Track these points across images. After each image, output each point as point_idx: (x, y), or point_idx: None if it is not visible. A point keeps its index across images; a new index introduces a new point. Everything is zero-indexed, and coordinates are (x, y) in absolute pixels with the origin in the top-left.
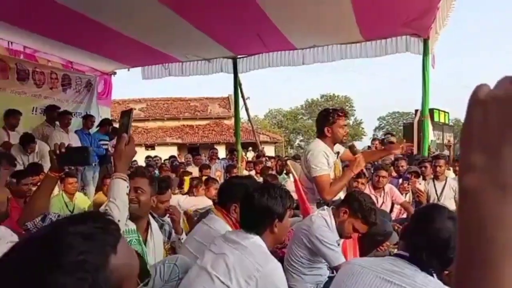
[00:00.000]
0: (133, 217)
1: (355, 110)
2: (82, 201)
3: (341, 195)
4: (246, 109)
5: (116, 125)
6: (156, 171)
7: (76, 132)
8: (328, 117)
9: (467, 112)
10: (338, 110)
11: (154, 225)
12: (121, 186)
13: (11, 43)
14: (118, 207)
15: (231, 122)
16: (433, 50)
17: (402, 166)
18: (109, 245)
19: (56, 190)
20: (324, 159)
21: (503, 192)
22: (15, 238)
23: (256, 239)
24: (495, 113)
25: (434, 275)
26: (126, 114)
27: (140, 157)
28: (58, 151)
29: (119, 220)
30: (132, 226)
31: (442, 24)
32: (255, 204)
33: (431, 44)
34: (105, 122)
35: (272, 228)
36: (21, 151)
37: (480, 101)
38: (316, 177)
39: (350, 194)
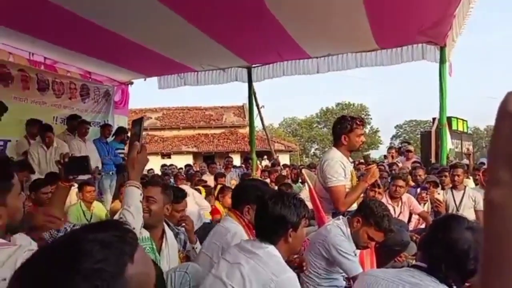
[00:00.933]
0: (146, 225)
1: (371, 119)
2: (100, 210)
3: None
4: (261, 118)
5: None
6: (172, 180)
7: (94, 141)
8: (346, 125)
9: (495, 124)
10: (356, 118)
11: (169, 233)
12: (135, 194)
13: (32, 54)
14: (133, 214)
15: (245, 130)
16: (450, 58)
17: (420, 175)
18: (127, 254)
19: (74, 199)
20: (341, 169)
21: None
22: (34, 246)
23: (271, 248)
24: None
25: (454, 287)
26: (138, 123)
27: (157, 165)
28: (62, 161)
29: (134, 228)
30: (146, 234)
31: (458, 31)
32: (268, 213)
33: (448, 51)
34: (121, 131)
35: (287, 237)
36: (39, 143)
37: (509, 114)
38: (332, 187)
39: (362, 202)
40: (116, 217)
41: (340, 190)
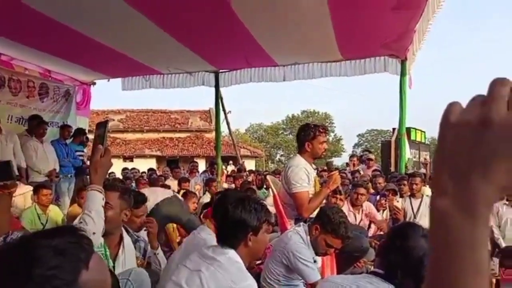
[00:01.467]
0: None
1: (335, 127)
2: (56, 214)
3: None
4: (227, 123)
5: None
6: (133, 184)
7: (52, 142)
8: (309, 132)
9: (439, 134)
10: (319, 126)
11: (127, 239)
12: (96, 198)
13: None
14: (93, 219)
15: (212, 135)
16: (410, 71)
17: (379, 183)
18: (81, 260)
19: (29, 202)
20: (305, 175)
21: (471, 218)
22: None
23: (232, 254)
24: (464, 138)
25: None
26: (102, 125)
27: (118, 169)
28: None
29: (94, 233)
30: (100, 240)
31: (418, 46)
32: (228, 217)
33: (408, 65)
34: (80, 132)
35: (247, 241)
36: None
37: (451, 124)
38: (295, 193)
39: (320, 210)
40: (76, 221)
41: (303, 196)
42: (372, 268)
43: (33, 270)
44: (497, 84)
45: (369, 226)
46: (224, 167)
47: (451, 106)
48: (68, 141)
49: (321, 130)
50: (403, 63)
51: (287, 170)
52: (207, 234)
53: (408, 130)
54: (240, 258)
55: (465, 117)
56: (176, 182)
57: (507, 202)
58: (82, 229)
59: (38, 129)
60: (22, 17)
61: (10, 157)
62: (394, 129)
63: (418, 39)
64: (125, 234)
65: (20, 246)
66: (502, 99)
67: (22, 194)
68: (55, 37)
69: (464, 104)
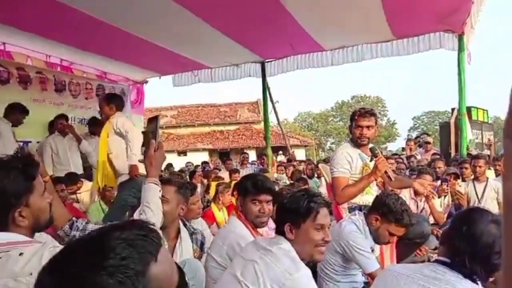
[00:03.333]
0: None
1: (387, 111)
2: None
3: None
4: (275, 113)
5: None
6: (187, 177)
7: None
8: (351, 117)
9: (508, 113)
10: (359, 109)
11: (184, 233)
12: (153, 191)
13: (49, 56)
14: (152, 210)
15: (260, 126)
16: (469, 45)
17: (439, 168)
18: (150, 252)
19: (95, 197)
20: (345, 161)
21: None
22: (56, 243)
23: (285, 244)
24: None
25: (479, 282)
26: (153, 121)
27: (174, 163)
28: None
29: (153, 224)
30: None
31: (477, 18)
32: (279, 205)
33: (466, 39)
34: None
35: (291, 234)
36: (53, 134)
37: None
38: (332, 178)
39: (376, 198)
40: (136, 213)
41: (338, 181)
42: (435, 257)
43: (106, 261)
44: None
45: (430, 214)
46: (274, 157)
47: None
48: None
49: (358, 114)
50: (460, 37)
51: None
52: (234, 224)
53: (469, 109)
54: (295, 249)
55: None
56: (227, 173)
57: None
58: (150, 223)
59: (94, 128)
60: (78, 23)
61: (77, 156)
62: (453, 109)
63: (476, 11)
64: (182, 227)
65: (94, 239)
66: None
67: (88, 191)
68: (108, 40)
69: None
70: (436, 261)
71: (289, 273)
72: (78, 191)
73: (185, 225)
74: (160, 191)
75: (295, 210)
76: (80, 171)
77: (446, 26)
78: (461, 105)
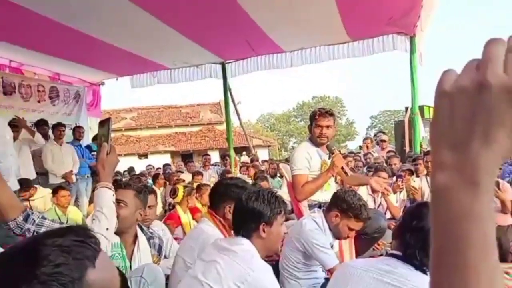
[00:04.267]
0: (116, 231)
1: (346, 110)
2: (75, 214)
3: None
4: (237, 114)
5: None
6: (150, 180)
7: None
8: (310, 117)
9: (434, 105)
10: (318, 109)
11: (142, 238)
12: (106, 195)
13: None
14: (106, 215)
15: (224, 127)
16: (420, 47)
17: (395, 164)
18: (87, 259)
19: (49, 204)
20: (303, 159)
21: (474, 189)
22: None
23: (246, 243)
24: (461, 106)
25: (428, 273)
26: (105, 123)
27: (135, 166)
28: None
29: (107, 228)
30: (116, 239)
31: (427, 21)
32: (243, 207)
33: (417, 41)
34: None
35: (259, 232)
36: None
37: (445, 93)
38: (292, 176)
39: (334, 195)
40: (89, 219)
41: (297, 179)
42: (389, 250)
43: (38, 269)
44: (491, 45)
45: (387, 209)
46: (238, 158)
47: (445, 74)
48: (85, 142)
49: (319, 113)
50: (412, 39)
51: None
52: (206, 225)
53: (421, 108)
54: (255, 249)
55: (460, 84)
56: (190, 175)
57: None
58: (89, 228)
59: (55, 131)
60: (28, 22)
61: (29, 161)
62: (407, 108)
63: (426, 14)
64: (139, 232)
65: (25, 247)
66: (498, 60)
67: (42, 197)
68: (61, 40)
69: (459, 71)
70: (390, 254)
71: (251, 269)
72: (31, 198)
73: (142, 229)
74: (113, 195)
75: (270, 209)
76: (32, 176)
77: (398, 28)
78: (413, 104)
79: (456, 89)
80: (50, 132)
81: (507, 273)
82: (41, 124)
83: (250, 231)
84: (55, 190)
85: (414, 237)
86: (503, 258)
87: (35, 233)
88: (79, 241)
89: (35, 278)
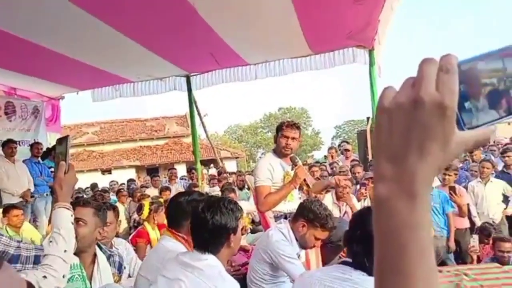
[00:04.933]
0: (75, 251)
1: (312, 121)
2: (31, 233)
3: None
4: (203, 126)
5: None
6: (113, 197)
7: (24, 161)
8: (277, 128)
9: (375, 120)
10: (285, 121)
11: (101, 256)
12: (64, 215)
13: None
14: (63, 237)
15: (190, 140)
16: (378, 60)
17: (358, 173)
18: None
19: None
20: (267, 170)
21: (411, 200)
22: None
23: (210, 259)
24: (399, 121)
25: None
26: (63, 141)
27: (98, 182)
28: None
29: (65, 250)
30: (76, 260)
31: (384, 35)
32: (208, 224)
33: (376, 54)
34: (53, 149)
35: (229, 243)
36: None
37: (385, 108)
38: (255, 188)
39: (301, 205)
40: (46, 241)
41: (260, 190)
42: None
43: None
44: (425, 64)
45: None
46: (206, 171)
47: (385, 91)
48: (45, 159)
49: (285, 124)
50: (370, 53)
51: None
52: (168, 242)
53: None
54: (221, 260)
55: (397, 100)
56: (156, 190)
57: (480, 180)
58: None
59: (6, 149)
60: None
61: None
62: (368, 118)
63: (383, 29)
64: (98, 251)
65: None
66: (430, 79)
67: None
68: (17, 53)
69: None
70: (343, 262)
71: (217, 287)
72: None
73: (100, 248)
74: (72, 215)
75: (234, 218)
76: None
77: (357, 42)
78: (373, 114)
79: (394, 105)
80: None
81: (466, 274)
82: None
83: (220, 245)
84: (6, 209)
85: (360, 246)
86: (462, 260)
87: None
88: None
89: None
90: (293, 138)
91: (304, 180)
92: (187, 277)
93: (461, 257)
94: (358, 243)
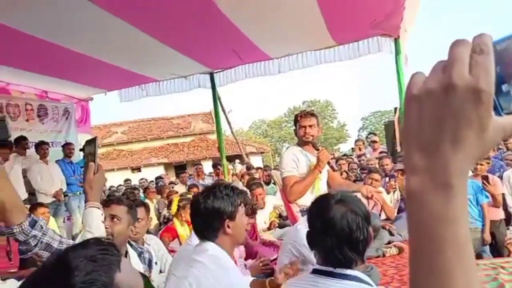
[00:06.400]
0: None
1: (337, 113)
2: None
3: None
4: (228, 122)
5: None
6: (142, 194)
7: (57, 161)
8: (295, 123)
9: (404, 109)
10: (300, 111)
11: (132, 254)
12: (95, 214)
13: None
14: (94, 234)
15: (215, 136)
16: (405, 48)
17: (387, 165)
18: (113, 263)
19: None
20: (292, 161)
21: (446, 192)
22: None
23: (212, 250)
24: (429, 109)
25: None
26: (91, 142)
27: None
28: None
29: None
30: None
31: (410, 23)
32: (201, 209)
33: (402, 43)
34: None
35: (225, 229)
36: None
37: (414, 96)
38: (282, 179)
39: None
40: (78, 239)
41: (286, 181)
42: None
43: (73, 279)
44: (456, 46)
45: (382, 209)
46: (231, 167)
47: (414, 77)
48: (76, 159)
49: (300, 115)
50: (396, 41)
51: None
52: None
53: None
54: (222, 248)
55: (427, 86)
56: (183, 187)
57: None
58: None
59: (39, 150)
60: (12, 41)
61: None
62: (396, 108)
63: (409, 15)
64: (129, 248)
65: (56, 263)
66: (463, 62)
67: None
68: (47, 57)
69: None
70: (313, 271)
71: (217, 281)
72: None
73: (131, 245)
74: (102, 214)
75: (230, 203)
76: (23, 196)
77: (382, 31)
78: (401, 104)
79: (424, 92)
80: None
81: (503, 267)
82: (19, 140)
83: (215, 231)
84: (33, 207)
85: (326, 241)
86: (498, 252)
87: (39, 241)
88: (103, 249)
89: (72, 287)
90: (310, 126)
91: (328, 162)
92: (192, 274)
93: (497, 249)
94: (322, 239)
